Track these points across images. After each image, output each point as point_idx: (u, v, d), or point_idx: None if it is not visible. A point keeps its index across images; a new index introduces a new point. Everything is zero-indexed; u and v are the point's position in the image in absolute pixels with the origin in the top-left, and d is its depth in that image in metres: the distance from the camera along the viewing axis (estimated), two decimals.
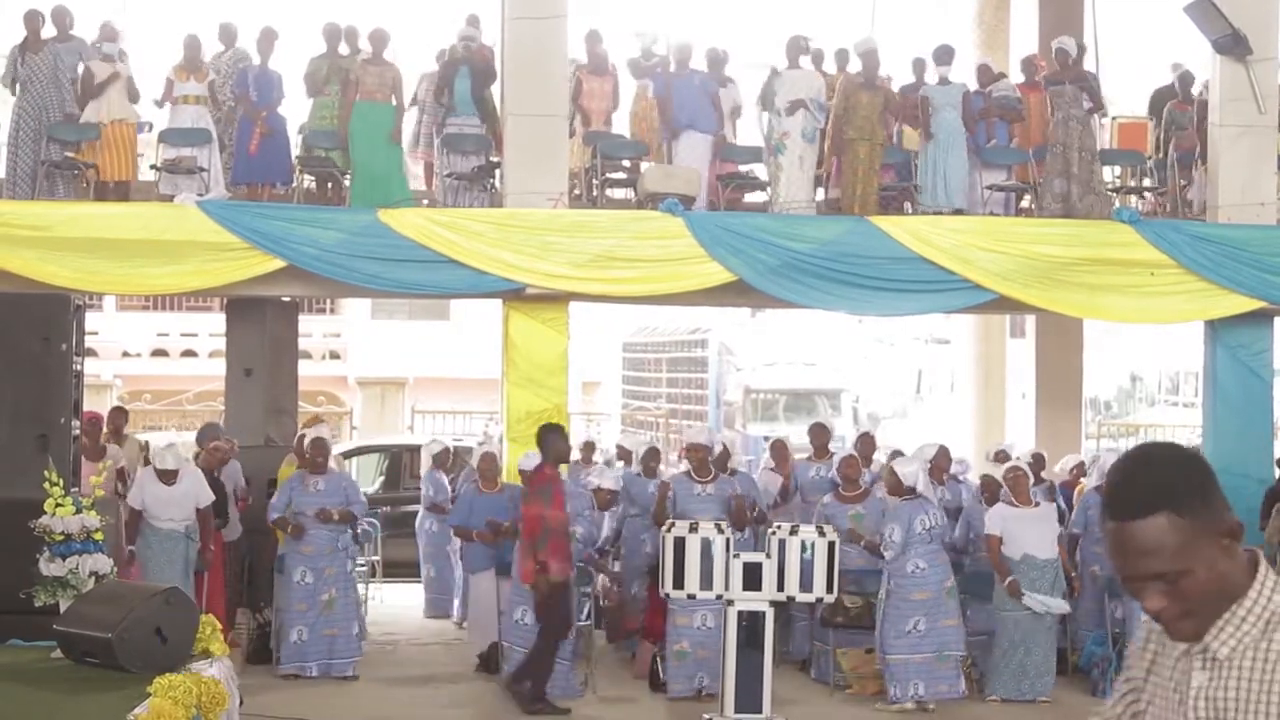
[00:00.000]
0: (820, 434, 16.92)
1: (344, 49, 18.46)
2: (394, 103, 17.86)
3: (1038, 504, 14.77)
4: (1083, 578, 15.45)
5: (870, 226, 16.97)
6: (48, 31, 17.76)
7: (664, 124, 18.23)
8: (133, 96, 17.84)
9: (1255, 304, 17.20)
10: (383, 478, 22.85)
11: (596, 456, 19.30)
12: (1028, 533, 14.30)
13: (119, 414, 18.91)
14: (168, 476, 14.59)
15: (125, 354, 39.62)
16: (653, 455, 17.06)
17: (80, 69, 17.61)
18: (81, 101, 17.56)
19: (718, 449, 15.63)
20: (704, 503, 14.56)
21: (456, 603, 17.79)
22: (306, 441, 15.31)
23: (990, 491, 15.44)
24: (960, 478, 16.78)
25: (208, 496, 14.77)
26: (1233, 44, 17.43)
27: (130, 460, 17.07)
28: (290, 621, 14.74)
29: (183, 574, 14.22)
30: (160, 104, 18.22)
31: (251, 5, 22.62)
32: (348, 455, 22.12)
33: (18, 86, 17.53)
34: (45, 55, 17.49)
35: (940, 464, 16.13)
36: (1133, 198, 19.37)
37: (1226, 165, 17.73)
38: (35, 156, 17.17)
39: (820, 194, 18.28)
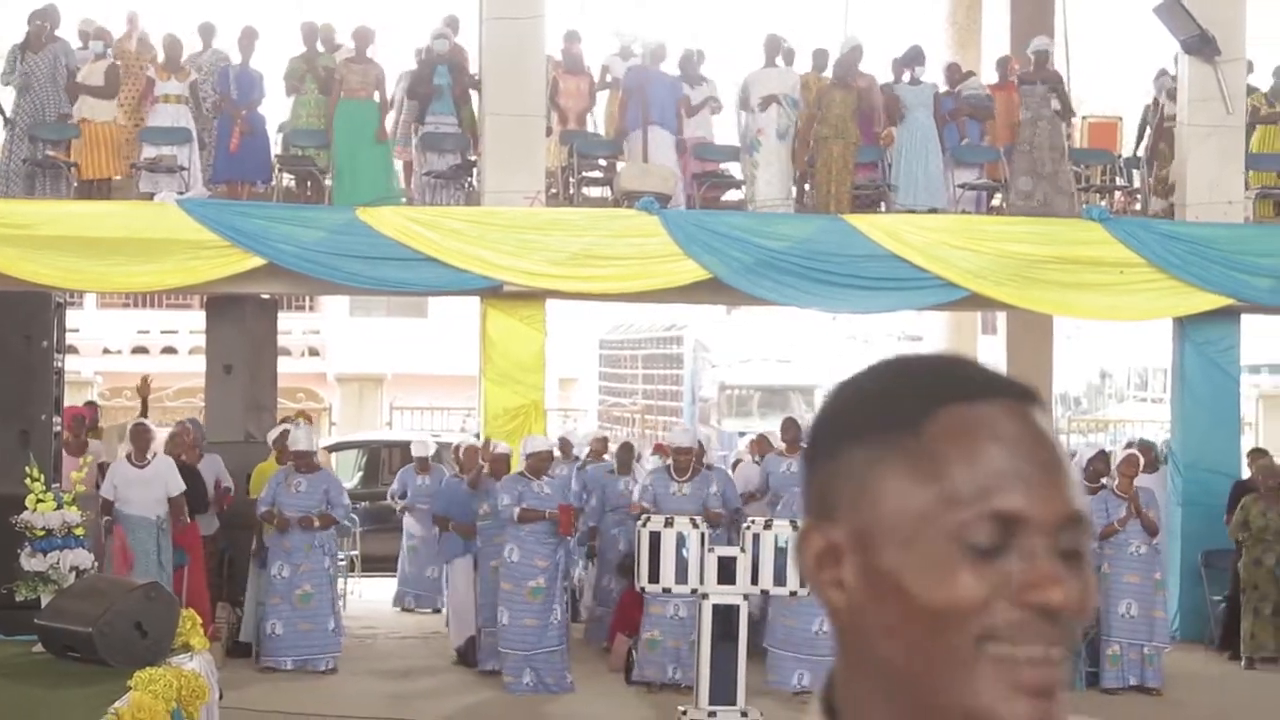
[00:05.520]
0: (792, 429, 16.89)
1: (322, 47, 18.42)
2: (377, 100, 17.82)
3: None
4: None
5: (844, 225, 16.99)
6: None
7: (629, 116, 18.06)
8: (110, 93, 17.80)
9: (1223, 301, 17.26)
10: (361, 473, 22.82)
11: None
12: None
13: (91, 409, 18.85)
14: (139, 453, 14.64)
15: (106, 351, 39.45)
16: (626, 451, 17.03)
17: (81, 68, 17.62)
18: (72, 100, 17.52)
19: (697, 448, 15.56)
20: (680, 501, 14.52)
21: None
22: (290, 449, 15.27)
23: None
24: None
25: (178, 485, 14.75)
26: (1201, 44, 17.47)
27: (110, 452, 17.05)
28: (266, 615, 14.74)
29: (156, 566, 14.15)
30: (137, 105, 18.21)
31: (231, 4, 22.52)
32: (326, 451, 22.09)
33: (17, 85, 17.49)
34: (45, 56, 17.43)
35: None
36: (1100, 195, 19.40)
37: (1195, 164, 17.77)
38: (25, 155, 17.10)
39: (794, 192, 18.29)
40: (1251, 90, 18.60)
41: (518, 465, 14.61)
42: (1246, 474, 17.13)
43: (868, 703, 1.51)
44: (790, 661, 14.08)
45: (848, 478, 1.51)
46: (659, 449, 18.57)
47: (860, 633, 1.50)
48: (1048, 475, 1.47)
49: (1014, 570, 1.44)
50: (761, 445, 17.41)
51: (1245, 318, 17.84)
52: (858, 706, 1.52)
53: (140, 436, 14.87)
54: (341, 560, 17.39)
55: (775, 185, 17.71)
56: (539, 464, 14.32)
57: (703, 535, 12.70)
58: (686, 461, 14.98)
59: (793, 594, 13.03)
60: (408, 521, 18.52)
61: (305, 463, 14.98)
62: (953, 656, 1.44)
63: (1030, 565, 1.45)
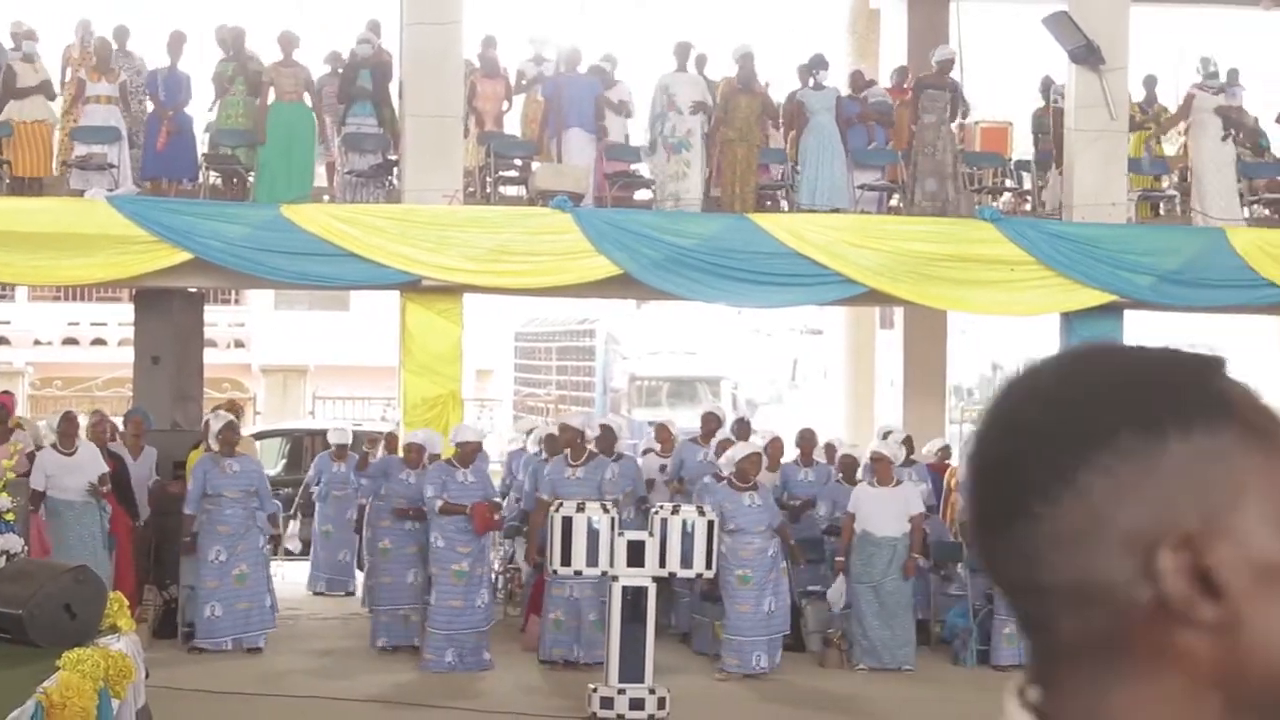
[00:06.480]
0: (711, 421, 16.99)
1: (249, 50, 18.27)
2: (308, 103, 17.69)
3: (899, 483, 14.90)
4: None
5: (749, 223, 17.02)
6: None
7: (551, 122, 18.16)
8: (49, 95, 17.63)
9: (1107, 298, 17.39)
10: (284, 460, 22.69)
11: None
12: (876, 511, 14.51)
13: (8, 398, 18.57)
14: (67, 440, 14.48)
15: (37, 342, 39.04)
16: (553, 440, 16.95)
17: (15, 69, 17.40)
18: (1, 101, 17.30)
19: (593, 433, 15.41)
20: (574, 485, 14.49)
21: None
22: (219, 426, 15.12)
23: (846, 471, 15.55)
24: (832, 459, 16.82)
25: (101, 467, 14.65)
26: (1087, 54, 17.60)
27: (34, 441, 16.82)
28: (204, 598, 14.54)
29: (101, 545, 14.12)
30: (70, 106, 17.98)
31: (156, 7, 22.33)
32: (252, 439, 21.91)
33: None
34: None
35: (806, 446, 16.36)
36: (990, 197, 19.51)
37: (1081, 168, 17.90)
38: None
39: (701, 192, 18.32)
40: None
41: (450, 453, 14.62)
42: None
43: None
44: (747, 645, 14.05)
45: (1185, 473, 1.25)
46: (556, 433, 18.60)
47: (1235, 648, 1.23)
48: None
49: None
50: (663, 434, 17.36)
51: (1128, 313, 17.99)
52: None
53: (69, 424, 14.72)
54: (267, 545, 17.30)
55: (701, 183, 17.79)
56: (468, 454, 14.33)
57: (613, 520, 12.71)
58: (571, 440, 14.98)
59: (699, 576, 13.06)
60: (320, 507, 18.38)
61: (229, 439, 14.81)
62: None
63: None
